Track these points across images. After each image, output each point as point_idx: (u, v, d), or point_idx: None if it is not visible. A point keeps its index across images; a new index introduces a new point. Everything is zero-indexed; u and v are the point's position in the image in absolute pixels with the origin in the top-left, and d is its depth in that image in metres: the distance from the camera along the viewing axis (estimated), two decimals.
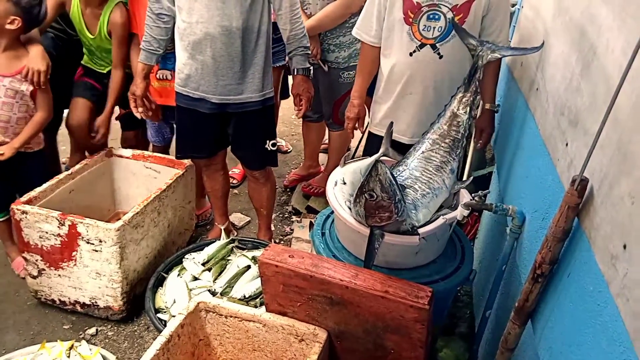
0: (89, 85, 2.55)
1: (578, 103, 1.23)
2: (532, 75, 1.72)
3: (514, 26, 2.23)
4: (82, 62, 2.57)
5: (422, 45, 1.81)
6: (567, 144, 1.25)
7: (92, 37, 2.41)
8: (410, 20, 1.80)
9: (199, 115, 2.19)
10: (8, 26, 2.04)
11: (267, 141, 2.29)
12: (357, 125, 2.12)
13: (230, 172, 3.12)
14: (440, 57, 1.81)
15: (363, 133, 2.32)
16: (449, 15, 1.75)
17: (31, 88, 2.13)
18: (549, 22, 1.64)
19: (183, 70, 2.14)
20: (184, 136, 2.35)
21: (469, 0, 1.74)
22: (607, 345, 0.89)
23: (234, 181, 3.22)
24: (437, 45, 1.80)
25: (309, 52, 2.24)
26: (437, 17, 1.77)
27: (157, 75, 2.47)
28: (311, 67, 2.27)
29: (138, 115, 2.36)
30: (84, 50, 2.53)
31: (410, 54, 1.84)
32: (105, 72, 2.53)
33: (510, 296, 1.58)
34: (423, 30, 1.79)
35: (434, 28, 1.78)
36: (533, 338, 1.27)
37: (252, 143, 2.29)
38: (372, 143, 2.06)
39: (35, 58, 2.12)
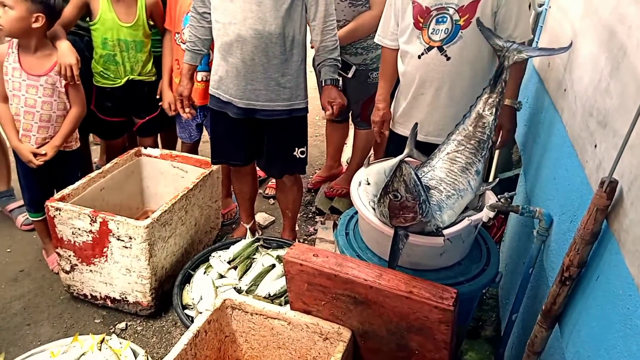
0: (113, 124, 2.69)
1: (607, 104, 1.21)
2: (560, 77, 1.70)
3: (541, 26, 2.20)
4: (95, 82, 2.53)
5: (429, 48, 1.82)
6: (595, 146, 1.23)
7: (127, 25, 2.42)
8: (421, 25, 1.82)
9: (229, 120, 2.20)
10: (34, 25, 2.07)
11: (296, 149, 2.28)
12: (383, 128, 2.12)
13: (270, 183, 3.16)
14: (448, 58, 1.81)
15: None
16: (455, 17, 1.75)
17: (64, 83, 2.19)
18: (577, 23, 1.62)
19: (217, 71, 2.16)
20: (217, 141, 2.37)
21: (475, 0, 1.72)
22: (638, 349, 0.88)
23: (273, 191, 3.10)
24: (444, 47, 1.80)
25: (339, 64, 2.21)
26: (444, 19, 1.77)
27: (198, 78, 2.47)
28: (340, 79, 2.20)
29: (184, 116, 2.42)
30: (97, 60, 2.48)
31: (419, 57, 1.85)
32: (122, 84, 2.53)
33: (538, 299, 1.56)
34: (432, 33, 1.81)
35: (441, 30, 1.78)
36: (560, 342, 1.25)
37: (281, 151, 2.29)
38: (393, 141, 2.07)
39: (65, 53, 2.17)
